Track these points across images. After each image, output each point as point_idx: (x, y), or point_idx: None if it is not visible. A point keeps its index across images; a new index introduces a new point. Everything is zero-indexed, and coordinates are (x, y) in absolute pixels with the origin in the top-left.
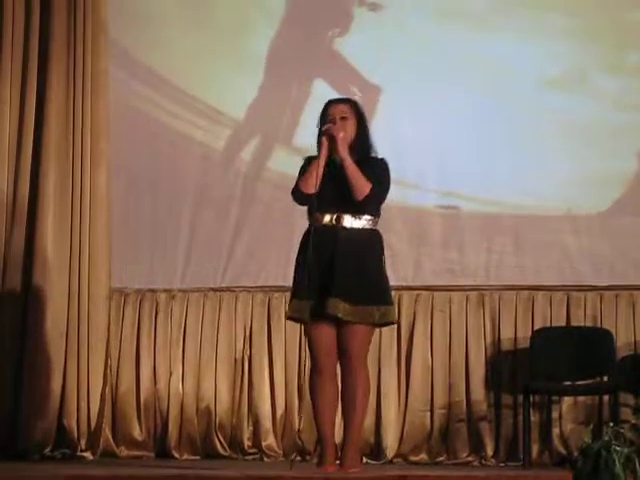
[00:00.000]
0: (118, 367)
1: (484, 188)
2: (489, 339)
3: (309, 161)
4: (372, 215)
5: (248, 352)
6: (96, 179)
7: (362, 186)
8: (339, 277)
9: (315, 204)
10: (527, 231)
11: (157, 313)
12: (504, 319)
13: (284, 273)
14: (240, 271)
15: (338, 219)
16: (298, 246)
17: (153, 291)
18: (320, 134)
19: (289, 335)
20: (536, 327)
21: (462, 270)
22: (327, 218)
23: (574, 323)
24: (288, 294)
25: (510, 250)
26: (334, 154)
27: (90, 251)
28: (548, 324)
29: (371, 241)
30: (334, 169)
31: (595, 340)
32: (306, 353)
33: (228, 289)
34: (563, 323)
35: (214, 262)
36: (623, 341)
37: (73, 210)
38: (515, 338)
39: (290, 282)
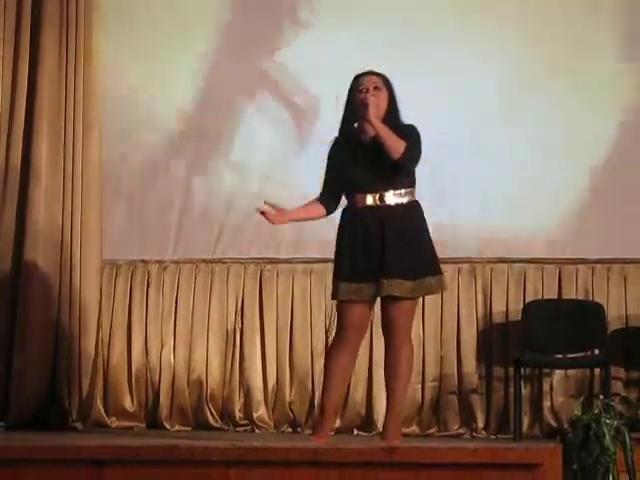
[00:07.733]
0: (110, 338)
1: (477, 162)
2: (481, 312)
3: (335, 147)
4: (410, 186)
5: (240, 324)
6: (88, 149)
7: (396, 144)
8: (392, 256)
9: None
10: (519, 203)
11: (149, 284)
12: (496, 292)
13: (276, 245)
14: (232, 243)
15: (381, 198)
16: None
17: (145, 262)
18: (347, 106)
19: (280, 307)
20: (527, 300)
21: (454, 243)
22: (370, 199)
23: (565, 296)
24: (280, 265)
25: (502, 223)
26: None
27: (82, 221)
28: (540, 297)
29: (415, 213)
30: (365, 152)
31: (586, 313)
32: (296, 325)
33: (220, 261)
34: (555, 296)
35: (206, 233)
36: (614, 314)
37: (65, 181)
38: (507, 311)
39: (282, 254)
